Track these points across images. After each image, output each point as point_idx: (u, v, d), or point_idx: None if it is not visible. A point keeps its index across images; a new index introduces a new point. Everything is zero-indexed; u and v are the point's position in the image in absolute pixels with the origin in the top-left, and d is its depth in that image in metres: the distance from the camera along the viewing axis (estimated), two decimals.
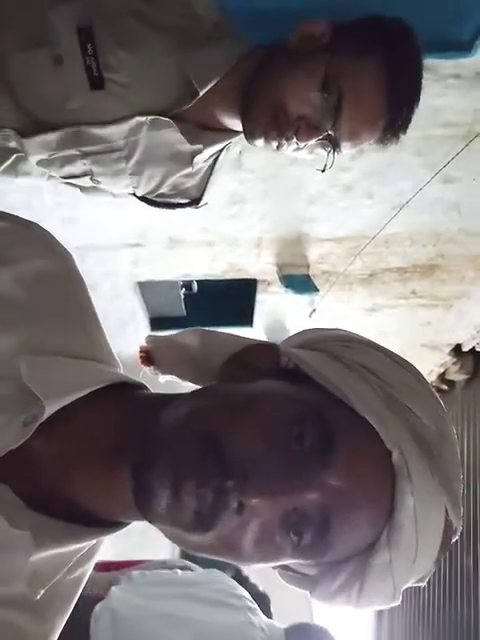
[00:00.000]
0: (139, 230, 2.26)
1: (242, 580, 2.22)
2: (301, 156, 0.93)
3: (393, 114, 0.86)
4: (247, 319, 2.87)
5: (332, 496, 0.45)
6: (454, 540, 0.51)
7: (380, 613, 3.89)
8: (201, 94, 0.88)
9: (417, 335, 3.13)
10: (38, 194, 2.00)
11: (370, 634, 3.98)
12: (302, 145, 0.88)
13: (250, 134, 0.90)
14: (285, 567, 0.53)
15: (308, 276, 2.47)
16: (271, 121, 0.86)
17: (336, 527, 0.45)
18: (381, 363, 0.51)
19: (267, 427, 0.46)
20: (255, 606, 1.63)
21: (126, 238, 2.30)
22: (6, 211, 0.63)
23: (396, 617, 3.71)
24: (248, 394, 0.49)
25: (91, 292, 0.61)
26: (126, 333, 2.78)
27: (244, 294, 2.77)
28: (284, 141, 0.88)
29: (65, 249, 0.62)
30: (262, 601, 1.92)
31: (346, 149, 0.90)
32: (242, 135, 0.95)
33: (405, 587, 0.50)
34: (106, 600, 1.58)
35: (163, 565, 1.98)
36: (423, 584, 0.51)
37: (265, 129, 0.87)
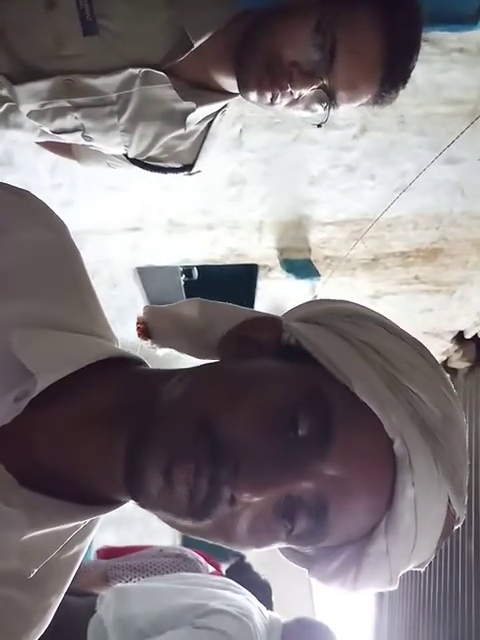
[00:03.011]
0: (138, 214, 2.24)
1: (244, 567, 2.23)
2: (297, 113, 0.91)
3: (391, 64, 0.84)
4: (248, 306, 2.83)
5: (329, 485, 0.43)
6: (456, 528, 0.49)
7: (381, 598, 3.89)
8: (195, 46, 0.87)
9: (419, 322, 3.11)
10: (35, 176, 1.97)
11: (371, 619, 3.99)
12: (296, 95, 0.86)
13: (243, 86, 0.88)
14: None
15: (310, 261, 2.45)
16: (264, 70, 0.85)
17: (332, 516, 0.44)
18: (388, 342, 0.49)
19: (262, 411, 0.44)
20: (253, 597, 1.67)
21: (124, 222, 2.28)
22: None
23: (397, 603, 3.72)
24: (244, 375, 0.47)
25: (90, 279, 0.59)
26: (126, 321, 2.75)
27: (245, 281, 2.75)
28: (278, 91, 0.85)
29: (60, 220, 0.60)
30: (263, 590, 1.93)
31: (343, 103, 0.88)
32: (238, 97, 0.94)
33: (402, 573, 0.49)
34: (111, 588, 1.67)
35: (160, 553, 2.02)
36: (422, 569, 0.50)
37: (258, 78, 0.86)
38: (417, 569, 0.50)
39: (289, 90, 0.85)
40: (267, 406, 0.44)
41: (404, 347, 0.49)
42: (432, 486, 0.45)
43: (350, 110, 1.50)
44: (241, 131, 1.80)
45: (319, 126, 0.92)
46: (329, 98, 0.86)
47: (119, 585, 1.71)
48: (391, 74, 0.85)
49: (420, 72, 1.63)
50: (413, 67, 0.88)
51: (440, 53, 1.52)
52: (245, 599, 1.60)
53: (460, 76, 1.61)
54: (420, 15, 0.85)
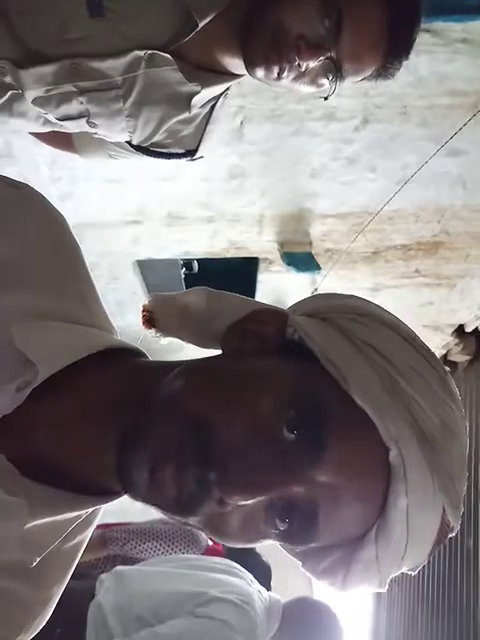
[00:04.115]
0: (138, 207, 2.23)
1: (246, 548, 2.22)
2: (303, 89, 0.92)
3: (394, 35, 0.86)
4: None
5: (320, 491, 0.42)
6: (449, 537, 0.48)
7: (379, 594, 3.91)
8: (200, 26, 0.87)
9: (419, 316, 3.10)
10: (34, 169, 1.96)
11: (369, 614, 4.00)
12: (303, 67, 0.87)
13: (250, 62, 0.89)
14: None
15: (310, 254, 2.44)
16: (271, 43, 0.86)
17: (322, 521, 0.43)
18: (393, 344, 0.47)
19: (255, 412, 0.43)
20: (253, 579, 1.66)
21: (124, 215, 2.27)
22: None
23: (395, 598, 3.73)
24: (241, 373, 0.46)
25: (90, 271, 0.59)
26: (125, 315, 2.75)
27: (245, 274, 2.74)
28: (285, 64, 0.86)
29: (59, 212, 0.60)
30: (264, 573, 1.92)
31: (349, 75, 0.89)
32: (239, 90, 0.93)
33: (392, 576, 0.48)
34: (112, 570, 1.65)
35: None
36: (414, 573, 0.49)
37: (265, 52, 0.86)
38: (409, 572, 0.49)
39: (297, 62, 0.86)
40: (261, 408, 0.43)
41: (409, 350, 0.48)
42: (427, 498, 0.44)
43: (352, 102, 1.50)
44: (242, 123, 1.78)
45: (326, 99, 0.93)
46: (336, 69, 0.87)
47: (118, 568, 1.69)
48: (395, 45, 0.87)
49: (423, 63, 1.63)
50: (415, 38, 0.89)
51: (444, 44, 1.51)
52: (245, 583, 1.60)
53: (464, 67, 1.60)
54: None
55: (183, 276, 2.81)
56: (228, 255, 2.56)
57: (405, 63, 0.92)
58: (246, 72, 0.93)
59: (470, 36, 1.50)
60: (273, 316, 0.51)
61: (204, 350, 0.58)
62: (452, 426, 0.46)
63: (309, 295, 0.57)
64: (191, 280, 2.83)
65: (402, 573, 0.49)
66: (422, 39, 1.50)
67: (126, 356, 0.53)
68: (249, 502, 0.42)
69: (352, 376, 0.44)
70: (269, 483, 0.42)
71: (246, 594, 1.50)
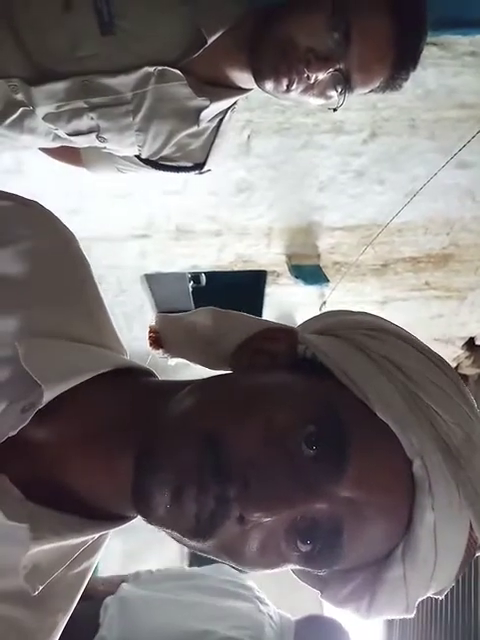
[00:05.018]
0: (146, 221, 2.23)
1: None
2: (312, 101, 0.92)
3: (401, 45, 0.87)
4: (256, 312, 2.84)
5: (343, 508, 0.41)
6: (478, 554, 0.46)
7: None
8: (209, 42, 0.89)
9: (430, 328, 3.08)
10: (43, 183, 1.97)
11: (381, 635, 3.93)
12: (312, 80, 0.87)
13: (259, 75, 0.90)
14: None
15: (319, 267, 2.43)
16: (280, 56, 0.86)
17: (346, 539, 0.42)
18: (409, 358, 0.47)
19: (273, 427, 0.42)
20: (263, 597, 1.61)
21: (132, 229, 2.27)
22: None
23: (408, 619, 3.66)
24: (255, 389, 0.45)
25: (97, 282, 0.58)
26: (133, 328, 2.75)
27: (253, 287, 2.73)
28: (294, 76, 0.87)
29: (68, 230, 0.60)
30: None
31: (358, 87, 0.90)
32: (247, 104, 0.94)
33: (420, 600, 0.46)
34: (116, 593, 1.60)
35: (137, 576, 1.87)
36: (441, 597, 0.48)
37: (275, 65, 0.87)
38: (436, 596, 0.47)
39: (306, 75, 0.86)
40: (278, 422, 0.42)
41: (427, 364, 0.47)
42: (453, 512, 0.43)
43: (360, 115, 1.50)
44: (249, 137, 1.79)
45: (335, 110, 0.94)
46: (345, 81, 0.88)
47: (123, 592, 1.65)
48: (402, 55, 0.88)
49: (431, 76, 1.63)
50: (422, 48, 0.90)
51: (451, 57, 1.51)
52: (255, 609, 1.56)
53: (472, 80, 1.60)
54: None
55: (191, 289, 2.81)
56: (236, 268, 2.56)
57: (413, 76, 0.93)
58: (253, 86, 0.93)
59: (478, 49, 1.50)
60: (283, 334, 0.51)
61: (213, 371, 0.57)
62: (475, 438, 0.45)
63: (317, 312, 0.56)
64: (199, 293, 2.83)
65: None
66: (429, 52, 1.50)
67: (134, 375, 0.53)
68: (270, 519, 0.40)
69: (372, 390, 0.44)
70: (291, 498, 0.40)
71: (257, 626, 1.46)
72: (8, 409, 0.46)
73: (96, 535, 0.49)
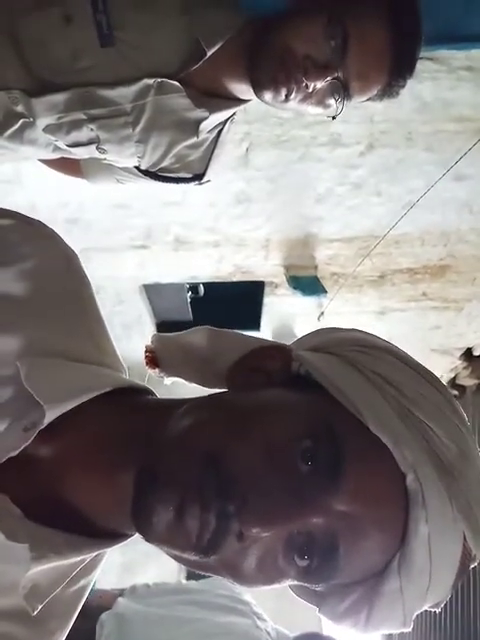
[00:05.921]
0: (144, 231, 2.24)
1: None
2: (311, 110, 0.92)
3: (398, 52, 0.87)
4: (254, 323, 2.84)
5: (339, 522, 0.42)
6: (473, 566, 0.47)
7: None
8: (209, 54, 0.89)
9: (427, 339, 3.08)
10: (42, 194, 1.98)
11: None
12: (311, 88, 0.87)
13: (258, 85, 0.90)
14: None
15: (316, 278, 2.44)
16: (278, 65, 0.86)
17: (343, 553, 0.42)
18: (401, 373, 0.47)
19: (270, 444, 0.43)
20: (261, 612, 1.60)
21: (131, 240, 2.28)
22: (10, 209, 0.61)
23: (407, 633, 3.63)
24: (251, 406, 0.46)
25: (96, 296, 0.59)
26: (131, 338, 2.75)
27: (251, 297, 2.74)
28: (293, 85, 0.87)
29: (70, 248, 0.60)
30: None
31: (356, 94, 0.90)
32: (245, 117, 0.94)
33: (416, 613, 0.47)
34: (113, 608, 1.57)
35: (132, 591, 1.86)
36: (438, 609, 0.48)
37: (273, 74, 0.87)
38: (432, 609, 0.48)
39: (304, 83, 0.86)
40: (275, 438, 0.43)
41: (417, 378, 0.47)
42: (447, 524, 0.43)
43: (357, 128, 1.51)
44: (248, 149, 1.80)
45: (334, 118, 0.94)
46: (343, 89, 0.88)
47: (120, 608, 1.63)
48: (399, 62, 0.88)
49: (428, 89, 1.65)
50: (419, 55, 0.90)
51: (447, 71, 1.53)
52: (252, 625, 1.55)
53: (468, 94, 1.62)
54: (419, 4, 0.89)
55: (189, 300, 2.81)
56: (234, 279, 2.57)
57: (409, 90, 0.93)
58: (252, 97, 0.94)
59: (473, 64, 1.52)
60: (278, 351, 0.51)
61: (209, 390, 0.58)
62: (467, 451, 0.45)
63: (315, 323, 0.57)
64: (197, 304, 2.83)
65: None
66: (426, 66, 1.52)
67: (134, 394, 0.53)
68: (268, 533, 0.41)
69: (366, 406, 0.44)
70: (288, 513, 0.41)
71: None
72: (10, 428, 0.46)
73: (94, 553, 0.49)
